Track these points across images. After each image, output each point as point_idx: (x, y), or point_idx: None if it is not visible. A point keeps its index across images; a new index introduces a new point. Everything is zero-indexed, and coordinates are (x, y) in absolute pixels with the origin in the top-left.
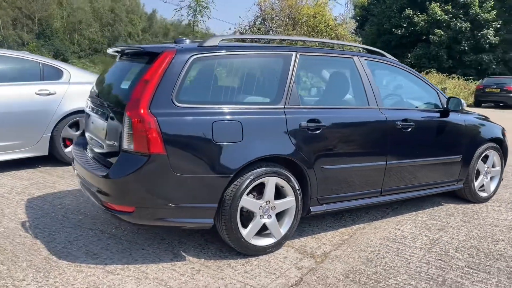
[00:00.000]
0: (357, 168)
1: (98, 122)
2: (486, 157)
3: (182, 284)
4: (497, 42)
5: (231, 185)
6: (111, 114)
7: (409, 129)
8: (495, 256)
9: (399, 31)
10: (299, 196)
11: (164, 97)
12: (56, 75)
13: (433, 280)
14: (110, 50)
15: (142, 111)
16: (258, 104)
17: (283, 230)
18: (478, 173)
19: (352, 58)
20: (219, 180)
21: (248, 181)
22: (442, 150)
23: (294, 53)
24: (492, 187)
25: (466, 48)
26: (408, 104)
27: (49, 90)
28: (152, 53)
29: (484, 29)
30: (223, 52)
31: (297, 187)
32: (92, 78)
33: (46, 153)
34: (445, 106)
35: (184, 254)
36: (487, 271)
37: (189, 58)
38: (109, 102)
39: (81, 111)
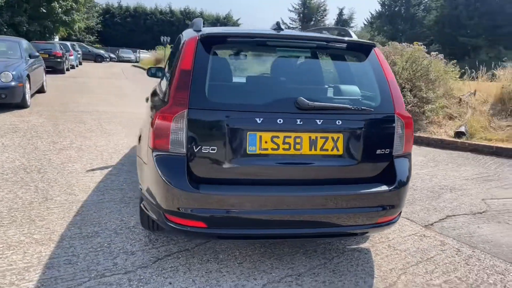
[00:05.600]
0: None
1: (313, 136)
2: None
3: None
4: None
5: None
6: (365, 121)
7: None
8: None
9: None
10: None
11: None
12: None
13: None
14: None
15: (406, 110)
16: None
17: None
18: None
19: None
20: None
21: None
22: None
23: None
24: None
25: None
26: None
27: None
28: (356, 47)
29: None
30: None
31: None
32: None
33: None
34: None
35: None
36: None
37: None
38: (352, 106)
39: None
